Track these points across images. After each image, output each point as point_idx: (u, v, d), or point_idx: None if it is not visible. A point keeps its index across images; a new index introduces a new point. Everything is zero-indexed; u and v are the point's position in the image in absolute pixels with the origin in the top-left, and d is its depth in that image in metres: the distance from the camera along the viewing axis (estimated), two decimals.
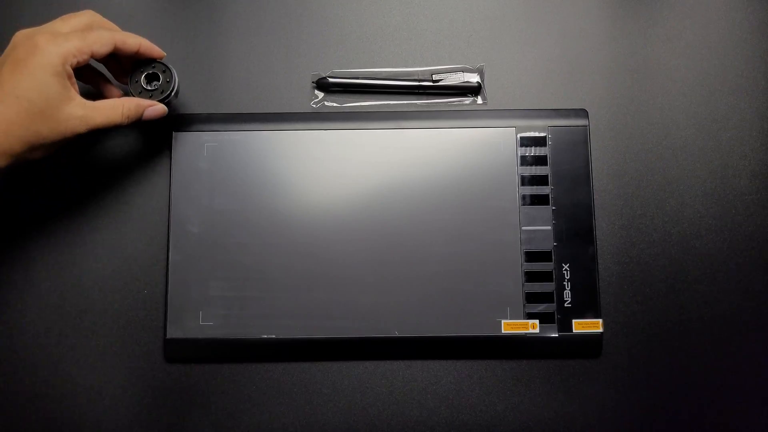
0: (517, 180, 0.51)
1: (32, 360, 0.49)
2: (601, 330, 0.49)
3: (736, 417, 0.49)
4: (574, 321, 0.49)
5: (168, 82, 0.49)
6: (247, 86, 0.53)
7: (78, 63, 0.43)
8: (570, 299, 0.49)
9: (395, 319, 0.49)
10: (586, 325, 0.49)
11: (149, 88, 0.49)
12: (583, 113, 0.52)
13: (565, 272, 0.50)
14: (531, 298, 0.49)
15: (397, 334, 0.49)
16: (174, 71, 0.49)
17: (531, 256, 0.50)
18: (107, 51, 0.44)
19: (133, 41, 0.46)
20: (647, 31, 0.54)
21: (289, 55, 0.54)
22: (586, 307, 0.49)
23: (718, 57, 0.53)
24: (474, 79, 0.53)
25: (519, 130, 0.51)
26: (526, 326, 0.49)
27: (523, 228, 0.50)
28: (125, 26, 0.54)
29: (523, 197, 0.50)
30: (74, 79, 0.43)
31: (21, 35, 0.42)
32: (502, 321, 0.49)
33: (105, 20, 0.47)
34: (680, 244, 0.51)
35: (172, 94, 0.49)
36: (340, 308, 0.49)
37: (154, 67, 0.49)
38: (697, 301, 0.50)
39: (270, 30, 0.54)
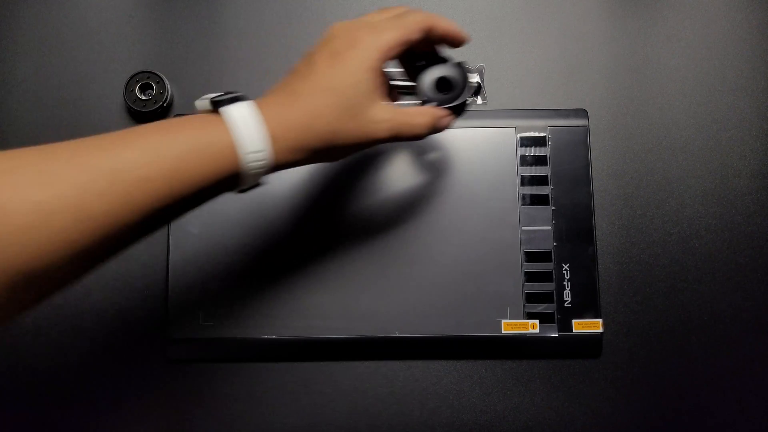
0: (517, 180, 0.51)
1: (32, 360, 0.49)
2: (601, 330, 0.49)
3: (736, 417, 0.49)
4: (574, 321, 0.49)
5: (161, 93, 0.51)
6: (247, 87, 0.53)
7: (395, 56, 0.39)
8: (570, 299, 0.49)
9: (395, 319, 0.49)
10: (586, 325, 0.49)
11: (143, 97, 0.51)
12: (583, 113, 0.52)
13: (565, 272, 0.50)
14: (531, 298, 0.49)
15: (397, 334, 0.49)
16: (167, 82, 0.51)
17: (531, 256, 0.50)
18: (420, 37, 0.39)
19: (445, 25, 0.40)
20: (647, 31, 0.54)
21: (289, 55, 0.54)
22: (586, 307, 0.49)
23: (718, 57, 0.53)
24: (474, 79, 0.53)
25: (519, 130, 0.51)
26: (526, 326, 0.49)
27: (523, 228, 0.50)
28: (125, 26, 0.54)
29: (523, 197, 0.50)
30: (384, 78, 0.39)
31: (339, 27, 0.39)
32: (502, 321, 0.49)
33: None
34: (680, 244, 0.51)
35: (165, 103, 0.51)
36: (340, 308, 0.49)
37: (148, 77, 0.51)
38: (697, 301, 0.50)
39: (270, 30, 0.54)
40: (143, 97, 0.51)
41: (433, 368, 0.50)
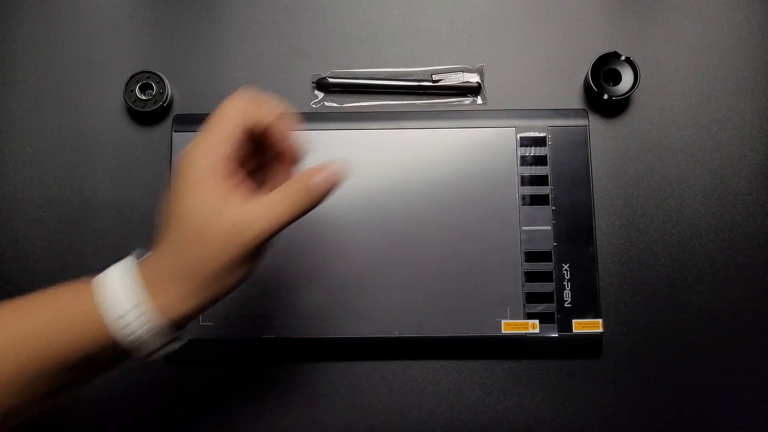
0: (517, 180, 0.51)
1: None
2: (601, 330, 0.49)
3: (736, 417, 0.49)
4: (574, 321, 0.49)
5: (161, 93, 0.51)
6: (247, 86, 0.53)
7: (237, 146, 0.34)
8: (570, 299, 0.49)
9: (395, 319, 0.49)
10: (586, 325, 0.49)
11: (143, 97, 0.51)
12: (583, 113, 0.52)
13: (565, 272, 0.50)
14: (531, 298, 0.49)
15: (396, 334, 0.49)
16: (167, 82, 0.51)
17: (531, 256, 0.50)
18: (247, 130, 0.35)
19: (267, 109, 0.36)
20: (647, 31, 0.54)
21: (289, 55, 0.54)
22: (586, 307, 0.49)
23: (718, 57, 0.53)
24: (474, 79, 0.53)
25: (519, 130, 0.51)
26: (526, 326, 0.49)
27: (523, 228, 0.50)
28: (125, 26, 0.54)
29: (523, 197, 0.50)
30: (237, 175, 0.35)
31: (181, 156, 0.34)
32: (502, 321, 0.49)
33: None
34: (680, 244, 0.51)
35: (165, 103, 0.51)
36: (340, 308, 0.49)
37: (148, 77, 0.51)
38: (697, 301, 0.50)
39: (270, 30, 0.54)
40: (143, 97, 0.51)
41: (432, 368, 0.50)
